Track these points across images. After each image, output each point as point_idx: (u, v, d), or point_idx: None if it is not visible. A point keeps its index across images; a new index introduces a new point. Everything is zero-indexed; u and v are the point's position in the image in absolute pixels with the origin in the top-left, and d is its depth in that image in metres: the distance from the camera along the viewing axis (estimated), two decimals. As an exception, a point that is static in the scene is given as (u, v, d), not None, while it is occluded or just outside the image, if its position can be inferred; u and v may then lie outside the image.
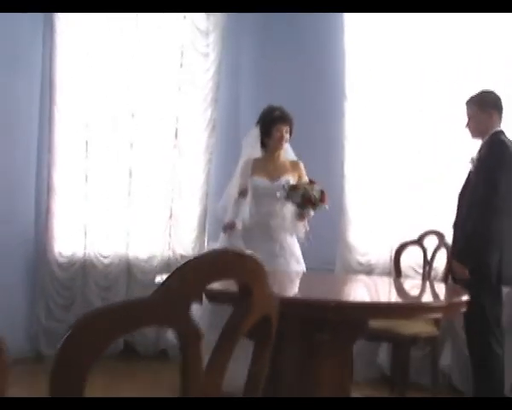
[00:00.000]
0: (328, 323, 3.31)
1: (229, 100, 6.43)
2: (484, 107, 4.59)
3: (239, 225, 5.05)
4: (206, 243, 6.37)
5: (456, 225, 4.81)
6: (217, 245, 5.11)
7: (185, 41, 6.28)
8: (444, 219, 5.12)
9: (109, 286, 6.24)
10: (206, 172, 6.36)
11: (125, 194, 6.27)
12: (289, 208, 4.91)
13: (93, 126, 6.18)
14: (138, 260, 6.29)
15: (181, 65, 6.31)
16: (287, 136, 5.04)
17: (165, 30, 6.28)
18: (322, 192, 4.75)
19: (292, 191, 4.77)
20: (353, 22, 5.89)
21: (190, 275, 1.00)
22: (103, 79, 6.19)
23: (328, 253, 5.82)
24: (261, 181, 5.01)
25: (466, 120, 4.70)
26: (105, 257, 6.24)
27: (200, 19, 6.28)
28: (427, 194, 5.64)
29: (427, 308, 3.30)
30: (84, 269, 6.20)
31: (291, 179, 4.97)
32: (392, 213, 5.77)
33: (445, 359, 5.43)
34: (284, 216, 4.96)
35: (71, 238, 6.20)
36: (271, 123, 5.00)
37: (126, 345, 6.03)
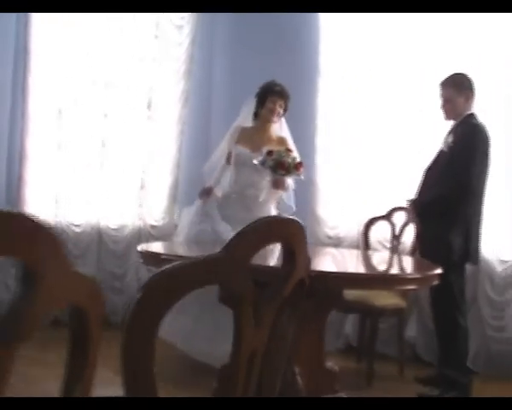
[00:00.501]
0: (307, 292, 3.42)
1: (202, 72, 6.45)
2: (461, 89, 4.68)
3: (218, 193, 5.12)
4: (175, 214, 6.40)
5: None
6: (191, 210, 5.16)
7: (160, 13, 6.28)
8: (413, 195, 5.25)
9: (80, 255, 6.23)
10: (179, 143, 6.39)
11: (98, 163, 6.27)
12: (267, 180, 5.01)
13: (67, 95, 6.17)
14: (109, 229, 6.31)
15: (156, 36, 6.32)
16: (280, 110, 5.12)
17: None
18: (299, 162, 4.85)
19: (268, 155, 4.87)
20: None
21: (248, 238, 1.10)
22: (78, 48, 6.16)
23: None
24: (243, 150, 5.08)
25: (440, 101, 4.79)
26: (76, 226, 6.24)
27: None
28: (397, 170, 5.78)
29: (404, 280, 3.44)
30: (55, 237, 6.19)
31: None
32: (361, 188, 5.89)
33: (411, 330, 5.60)
34: (262, 188, 5.05)
35: (42, 206, 6.17)
36: (267, 94, 5.10)
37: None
